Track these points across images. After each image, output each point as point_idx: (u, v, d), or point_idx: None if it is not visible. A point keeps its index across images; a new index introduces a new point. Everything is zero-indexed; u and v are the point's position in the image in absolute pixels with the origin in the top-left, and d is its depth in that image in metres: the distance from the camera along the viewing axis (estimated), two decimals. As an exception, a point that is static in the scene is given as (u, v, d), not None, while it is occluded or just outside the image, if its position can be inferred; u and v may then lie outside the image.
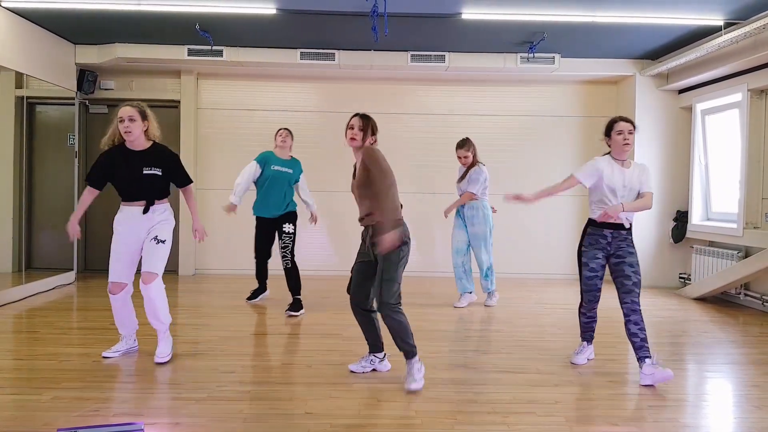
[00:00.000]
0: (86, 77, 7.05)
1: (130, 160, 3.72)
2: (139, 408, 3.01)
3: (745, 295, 6.01)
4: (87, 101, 7.43)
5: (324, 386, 3.39)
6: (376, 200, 3.32)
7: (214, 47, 6.68)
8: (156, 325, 3.86)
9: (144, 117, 3.73)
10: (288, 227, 5.35)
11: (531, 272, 7.69)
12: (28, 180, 7.08)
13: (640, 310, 3.59)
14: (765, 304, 5.74)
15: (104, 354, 3.88)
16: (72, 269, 6.98)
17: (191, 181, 3.99)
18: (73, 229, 3.76)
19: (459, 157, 5.72)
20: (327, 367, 3.76)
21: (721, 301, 6.33)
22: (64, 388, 3.27)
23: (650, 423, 2.95)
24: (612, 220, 3.61)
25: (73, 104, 7.06)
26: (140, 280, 3.73)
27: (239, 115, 7.59)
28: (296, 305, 5.32)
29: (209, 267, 7.64)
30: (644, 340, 3.55)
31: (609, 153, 3.74)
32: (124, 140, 3.72)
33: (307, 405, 3.08)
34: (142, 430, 2.43)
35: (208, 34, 6.21)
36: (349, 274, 3.78)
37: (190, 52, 6.74)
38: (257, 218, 5.50)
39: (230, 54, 6.78)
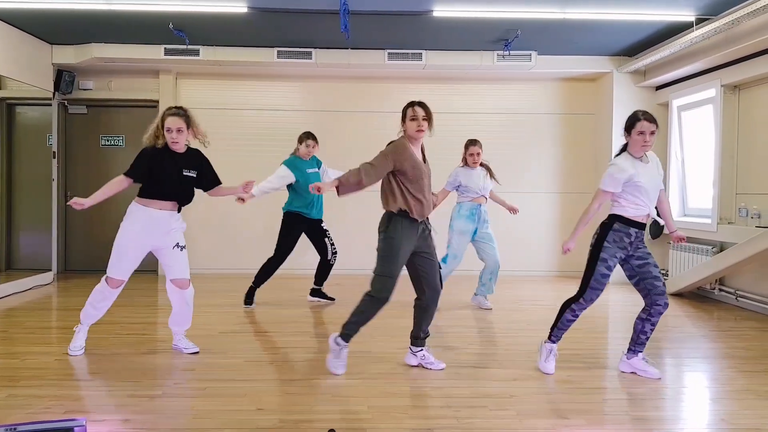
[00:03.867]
0: (64, 77, 7.04)
1: (172, 160, 3.77)
2: (92, 405, 3.01)
3: (720, 290, 6.03)
4: (66, 101, 7.42)
5: (282, 383, 3.39)
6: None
7: (191, 46, 6.68)
8: (182, 325, 3.98)
9: (189, 125, 3.80)
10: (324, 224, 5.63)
11: (510, 269, 7.68)
12: (8, 181, 7.09)
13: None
14: (739, 299, 5.75)
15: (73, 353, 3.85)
16: (50, 270, 6.96)
17: (221, 182, 4.05)
18: (81, 204, 3.59)
19: (473, 154, 5.39)
20: (289, 365, 3.77)
21: (697, 296, 6.34)
22: (21, 386, 3.26)
23: (601, 416, 2.96)
24: (643, 220, 3.50)
25: (51, 105, 7.06)
26: (173, 286, 3.91)
27: (219, 115, 7.57)
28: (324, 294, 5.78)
29: (190, 267, 7.60)
30: (648, 339, 3.60)
31: (625, 149, 3.53)
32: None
33: (261, 401, 3.08)
34: (84, 426, 2.43)
35: (182, 33, 6.22)
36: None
37: (167, 52, 6.74)
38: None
39: (207, 53, 6.78)
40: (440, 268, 3.71)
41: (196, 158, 3.90)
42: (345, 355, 3.55)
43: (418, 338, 3.69)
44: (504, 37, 6.40)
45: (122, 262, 3.75)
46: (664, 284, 3.53)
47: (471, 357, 3.97)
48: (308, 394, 3.22)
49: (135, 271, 3.84)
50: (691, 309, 5.71)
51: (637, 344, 3.60)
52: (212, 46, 6.77)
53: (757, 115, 5.70)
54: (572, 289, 3.73)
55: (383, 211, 3.55)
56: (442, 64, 6.99)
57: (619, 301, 6.14)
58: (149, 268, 7.27)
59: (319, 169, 5.54)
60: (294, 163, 5.40)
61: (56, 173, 7.25)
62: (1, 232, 6.78)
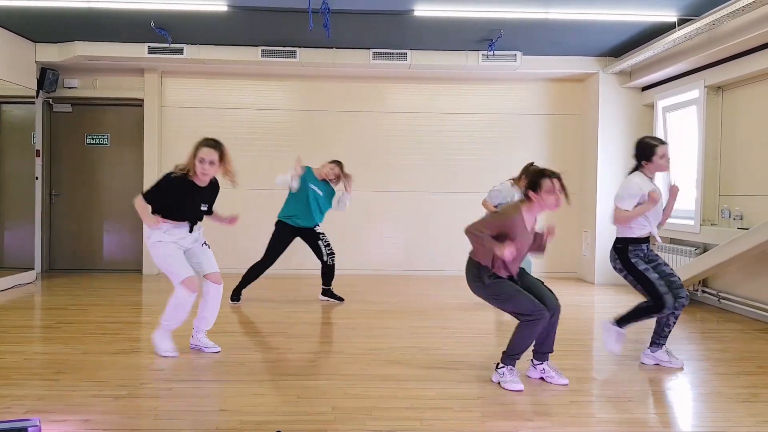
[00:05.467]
0: (47, 76, 7.01)
1: (192, 194, 3.83)
2: (54, 405, 2.98)
3: (703, 291, 6.00)
4: (50, 100, 7.39)
5: (249, 383, 3.36)
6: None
7: (175, 45, 6.65)
8: (210, 323, 4.01)
9: (222, 159, 3.81)
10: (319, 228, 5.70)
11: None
12: (-7, 179, 7.06)
13: None
14: (721, 300, 5.73)
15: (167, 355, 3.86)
16: (33, 269, 6.92)
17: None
18: (156, 224, 3.72)
19: None
20: (259, 365, 3.74)
21: (680, 298, 6.32)
22: (-14, 386, 3.24)
23: (565, 418, 2.93)
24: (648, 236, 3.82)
25: (34, 103, 7.03)
26: (209, 282, 3.95)
27: (204, 114, 7.53)
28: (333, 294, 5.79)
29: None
30: (670, 332, 3.84)
31: (638, 170, 3.80)
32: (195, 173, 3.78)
33: (224, 402, 3.06)
34: (38, 426, 2.40)
35: (164, 31, 6.19)
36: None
37: (151, 50, 6.71)
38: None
39: (191, 52, 6.75)
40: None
41: (213, 190, 4.00)
42: (516, 373, 3.41)
43: (539, 352, 3.52)
44: (488, 38, 6.37)
45: (179, 266, 3.81)
46: (679, 278, 3.81)
47: (443, 358, 3.94)
48: (273, 395, 3.20)
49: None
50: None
51: (661, 337, 3.84)
52: (196, 44, 6.74)
53: (740, 117, 5.69)
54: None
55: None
56: (428, 64, 6.96)
57: (599, 303, 6.13)
58: (133, 267, 7.27)
59: (324, 193, 5.65)
60: (305, 172, 5.56)
61: (40, 171, 7.22)
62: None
